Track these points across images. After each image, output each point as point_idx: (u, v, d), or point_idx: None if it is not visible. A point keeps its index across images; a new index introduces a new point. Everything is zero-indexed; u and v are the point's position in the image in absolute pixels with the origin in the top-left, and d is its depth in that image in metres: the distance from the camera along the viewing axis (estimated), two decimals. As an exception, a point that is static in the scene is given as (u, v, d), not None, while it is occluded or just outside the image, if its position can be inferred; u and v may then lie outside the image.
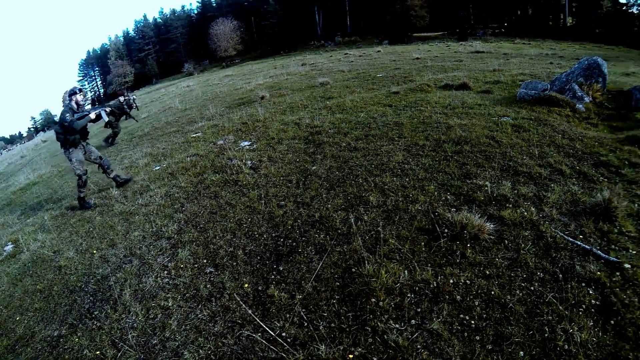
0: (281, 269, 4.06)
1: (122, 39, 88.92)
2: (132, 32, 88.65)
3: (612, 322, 3.12)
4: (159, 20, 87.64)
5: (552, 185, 5.07)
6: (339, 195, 5.28)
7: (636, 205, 4.69)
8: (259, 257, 4.31)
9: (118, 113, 13.73)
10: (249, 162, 6.87)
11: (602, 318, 3.16)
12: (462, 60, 20.23)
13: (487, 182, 5.14)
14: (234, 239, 4.69)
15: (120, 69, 77.28)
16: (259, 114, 10.75)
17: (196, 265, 4.37)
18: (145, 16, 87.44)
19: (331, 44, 57.95)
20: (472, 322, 3.14)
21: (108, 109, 7.00)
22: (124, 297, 4.05)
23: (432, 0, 55.58)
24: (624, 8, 50.80)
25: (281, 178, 6.04)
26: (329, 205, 5.03)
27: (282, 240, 4.51)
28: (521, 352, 2.86)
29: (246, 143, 8.11)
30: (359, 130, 7.71)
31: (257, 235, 4.67)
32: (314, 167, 6.20)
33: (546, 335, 2.98)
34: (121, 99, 14.43)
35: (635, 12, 50.74)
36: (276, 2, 63.96)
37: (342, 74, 17.46)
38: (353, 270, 3.83)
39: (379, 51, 34.15)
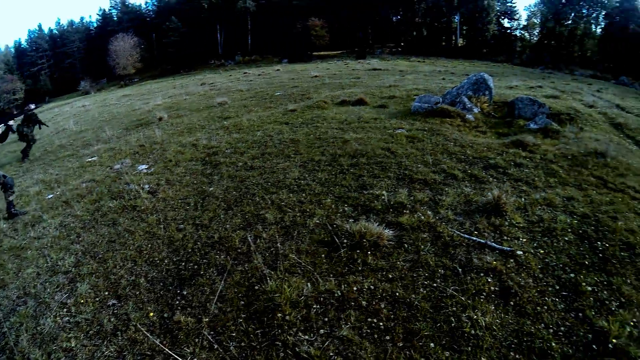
0: (185, 293, 4.34)
1: (13, 50, 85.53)
2: (24, 43, 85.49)
3: (512, 303, 3.95)
4: (55, 31, 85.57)
5: (447, 189, 6.12)
6: (237, 214, 5.80)
7: (523, 199, 5.95)
8: (162, 284, 4.56)
9: (33, 121, 13.85)
10: (146, 186, 7.34)
11: (502, 301, 3.97)
12: (360, 77, 23.09)
13: (383, 192, 5.96)
14: (135, 267, 4.93)
15: (9, 84, 72.73)
16: (157, 135, 11.44)
17: (97, 299, 4.48)
18: (40, 26, 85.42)
19: (231, 62, 62.73)
20: (381, 323, 3.66)
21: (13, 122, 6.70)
22: (21, 343, 3.97)
23: (332, 21, 63.25)
24: (508, 31, 64.41)
25: (179, 201, 6.55)
26: (228, 226, 5.52)
27: (183, 264, 4.85)
28: (432, 344, 3.43)
29: (144, 166, 8.67)
30: (255, 149, 8.53)
31: (158, 261, 4.97)
32: (212, 188, 6.82)
33: (453, 324, 3.62)
34: (32, 106, 14.33)
35: (518, 34, 64.39)
36: (179, 19, 67.56)
37: (240, 94, 19.20)
38: (256, 287, 4.22)
39: (278, 70, 37.25)
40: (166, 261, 4.96)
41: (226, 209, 6.04)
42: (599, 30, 60.13)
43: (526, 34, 66.88)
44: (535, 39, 65.16)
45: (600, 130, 11.48)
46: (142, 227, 5.89)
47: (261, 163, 7.65)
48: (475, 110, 11.32)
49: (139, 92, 36.93)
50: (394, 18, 69.13)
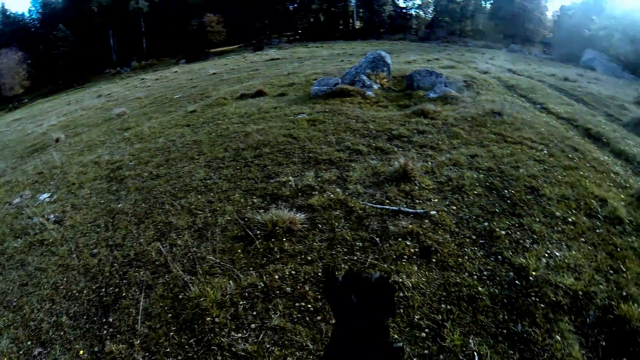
0: (111, 320, 4.18)
1: None
2: None
3: (434, 260, 4.32)
4: None
5: (353, 164, 6.44)
6: (149, 227, 5.70)
7: (429, 163, 6.42)
8: (85, 316, 4.35)
9: None
10: (52, 217, 6.99)
11: (424, 260, 4.31)
12: (258, 69, 23.44)
13: (290, 177, 6.13)
14: (54, 306, 4.66)
15: None
16: (55, 159, 10.86)
17: (21, 352, 4.17)
18: None
19: (127, 69, 59.55)
20: (309, 306, 3.80)
21: None
22: None
23: (228, 16, 62.94)
24: (404, 10, 68.82)
25: (88, 225, 6.32)
26: (142, 240, 5.41)
27: (104, 290, 4.68)
28: None
29: (45, 195, 8.28)
30: (159, 156, 8.42)
31: (77, 294, 4.74)
32: (120, 205, 6.66)
33: None
34: None
35: (414, 13, 69.18)
36: (67, 27, 62.32)
37: (138, 101, 18.79)
38: (180, 296, 4.18)
39: (176, 72, 36.66)
40: (85, 291, 4.77)
41: (137, 223, 5.94)
42: (488, 6, 66.65)
43: (421, 12, 71.40)
44: (430, 16, 69.76)
45: (495, 92, 12.65)
46: (54, 262, 5.62)
47: (166, 170, 7.60)
48: (375, 86, 11.90)
49: (31, 113, 34.50)
50: (291, 7, 70.91)
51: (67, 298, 4.78)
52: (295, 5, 70.88)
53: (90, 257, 5.48)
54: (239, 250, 4.74)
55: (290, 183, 6.00)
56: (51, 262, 5.65)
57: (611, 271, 4.47)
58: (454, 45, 46.29)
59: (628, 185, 6.60)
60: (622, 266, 4.56)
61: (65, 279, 5.15)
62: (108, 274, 4.98)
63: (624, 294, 4.11)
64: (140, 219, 6.04)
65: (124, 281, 4.76)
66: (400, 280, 4.03)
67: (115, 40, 66.75)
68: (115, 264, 5.13)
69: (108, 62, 65.23)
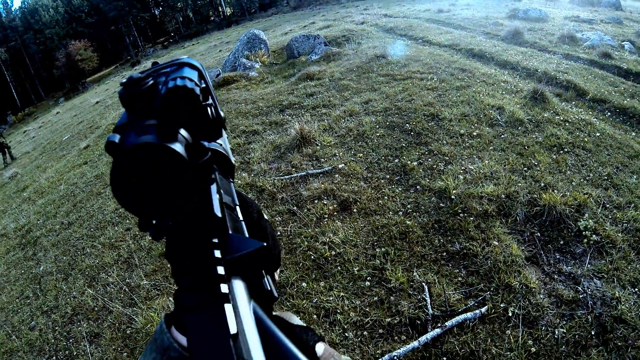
0: None
1: None
2: None
3: (355, 210, 4.38)
4: None
5: (252, 145, 6.34)
6: (77, 277, 5.46)
7: (325, 121, 6.40)
8: None
9: None
10: None
11: (346, 214, 4.32)
12: None
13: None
14: None
15: None
16: None
17: None
18: None
19: (5, 127, 53.32)
20: None
21: None
22: None
23: (95, 38, 59.90)
24: None
25: (17, 301, 5.95)
26: (74, 293, 5.17)
27: (54, 357, 4.45)
28: (304, 284, 3.62)
29: None
30: (66, 204, 8.13)
31: None
32: (42, 267, 6.38)
33: (313, 257, 3.86)
34: None
35: None
36: None
37: (28, 156, 18.17)
38: (129, 331, 4.04)
39: (57, 112, 35.02)
40: None
41: (65, 278, 5.67)
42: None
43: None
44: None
45: (375, 38, 12.93)
46: None
47: (77, 214, 7.29)
48: (257, 65, 11.74)
49: None
50: (156, 11, 69.52)
51: None
52: (160, 8, 69.17)
53: (29, 331, 5.19)
54: (168, 265, 4.54)
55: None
56: (-6, 354, 5.20)
57: (525, 168, 4.74)
58: (327, 5, 46.91)
59: (519, 89, 6.98)
60: (533, 161, 4.86)
61: None
62: (53, 340, 4.72)
63: (543, 184, 4.41)
64: (66, 273, 5.78)
65: (70, 340, 4.53)
66: (329, 240, 3.99)
67: None
68: (57, 327, 4.87)
69: None
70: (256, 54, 12.97)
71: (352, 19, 20.48)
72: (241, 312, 0.53)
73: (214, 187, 0.59)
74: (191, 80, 0.54)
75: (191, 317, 0.51)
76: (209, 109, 0.55)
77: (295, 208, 4.58)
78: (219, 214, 0.57)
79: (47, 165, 13.23)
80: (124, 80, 0.53)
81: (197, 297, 0.52)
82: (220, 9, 69.57)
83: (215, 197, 0.58)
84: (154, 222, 0.55)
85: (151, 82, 0.54)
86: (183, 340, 0.58)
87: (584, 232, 3.75)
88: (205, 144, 0.57)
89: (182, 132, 0.52)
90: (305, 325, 0.80)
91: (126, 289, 4.66)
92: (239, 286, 0.57)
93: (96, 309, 4.71)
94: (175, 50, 45.33)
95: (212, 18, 68.85)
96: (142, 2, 64.47)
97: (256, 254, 0.59)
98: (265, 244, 0.60)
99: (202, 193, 0.57)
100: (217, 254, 0.55)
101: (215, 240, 0.57)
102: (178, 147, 0.50)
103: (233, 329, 0.48)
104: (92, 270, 5.42)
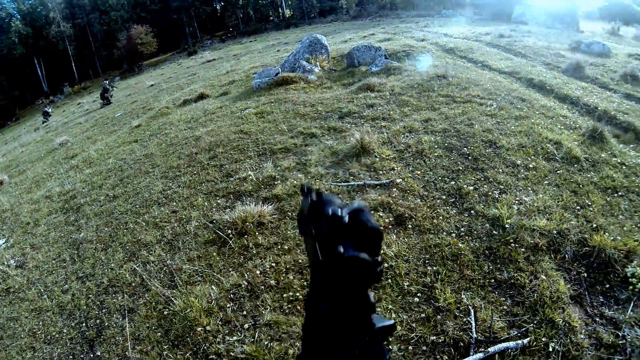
0: (99, 353, 4.02)
1: None
2: None
3: (410, 225, 4.47)
4: None
5: (309, 148, 6.48)
6: (117, 250, 5.51)
7: (385, 134, 6.51)
8: (71, 356, 4.16)
9: None
10: (12, 262, 6.62)
11: (400, 228, 4.45)
12: (196, 72, 23.31)
13: (249, 172, 6.07)
14: (36, 354, 4.42)
15: None
16: (3, 202, 10.30)
17: None
18: None
19: (61, 97, 56.16)
20: (297, 294, 3.82)
21: None
22: None
23: (156, 24, 61.35)
24: None
25: (53, 262, 6.04)
26: (112, 265, 5.21)
27: (84, 324, 4.49)
28: None
29: (1, 242, 7.83)
30: (112, 177, 8.19)
31: (57, 335, 4.52)
32: (82, 234, 6.41)
33: None
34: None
35: None
36: None
37: (80, 127, 18.36)
38: (166, 312, 4.06)
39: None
40: (65, 330, 4.56)
41: (104, 249, 5.74)
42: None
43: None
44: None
45: (436, 57, 12.94)
46: (26, 307, 5.33)
47: (123, 189, 7.40)
48: (316, 69, 11.93)
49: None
50: (218, 5, 71.46)
51: (48, 342, 4.59)
52: (222, 3, 70.95)
53: (62, 294, 5.28)
54: (214, 254, 4.67)
55: (250, 177, 5.94)
56: (22, 309, 5.38)
57: (578, 207, 4.73)
58: (386, 18, 46.82)
59: (577, 125, 6.92)
60: (587, 201, 4.85)
61: (41, 323, 4.94)
62: (85, 307, 4.81)
63: (594, 225, 4.40)
64: (106, 244, 5.85)
65: (103, 310, 4.61)
66: (382, 252, 4.09)
67: (43, 69, 63.69)
68: (91, 295, 4.95)
69: (39, 92, 62.22)
70: (317, 58, 13.16)
71: (411, 34, 20.51)
72: None
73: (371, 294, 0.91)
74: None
75: None
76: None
77: (350, 216, 4.69)
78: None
79: (97, 137, 13.58)
80: (329, 215, 0.83)
81: None
82: (281, 10, 70.70)
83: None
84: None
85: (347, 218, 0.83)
86: None
87: (630, 279, 3.76)
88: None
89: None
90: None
91: (167, 270, 4.76)
92: None
93: (133, 284, 4.80)
94: (232, 45, 45.97)
95: (271, 18, 69.88)
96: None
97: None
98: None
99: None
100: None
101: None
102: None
103: None
104: (133, 246, 5.51)
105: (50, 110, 28.97)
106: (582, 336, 3.28)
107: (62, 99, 56.75)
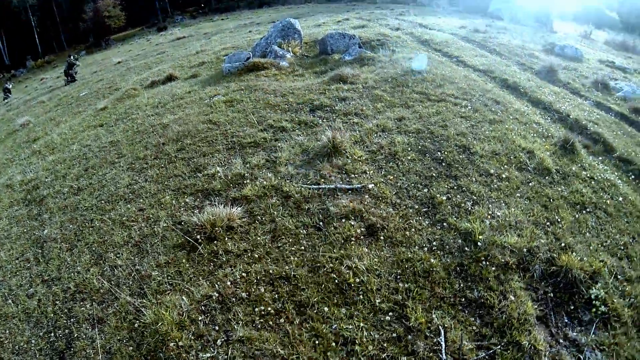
0: None
1: None
2: None
3: (382, 237, 4.39)
4: None
5: (279, 144, 6.31)
6: (83, 251, 5.24)
7: (357, 132, 6.42)
8: None
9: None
10: None
11: (372, 239, 4.38)
12: (165, 51, 22.70)
13: (217, 168, 5.89)
14: None
15: None
16: None
17: None
18: None
19: (23, 71, 53.51)
20: (269, 308, 3.73)
21: None
22: None
23: None
24: None
25: (16, 262, 5.69)
26: (79, 268, 4.95)
27: (52, 334, 4.26)
28: (325, 308, 3.67)
29: None
30: (76, 166, 7.80)
31: (25, 345, 4.27)
32: (46, 231, 6.09)
33: (337, 281, 3.91)
34: None
35: None
36: None
37: (42, 106, 17.58)
38: (136, 324, 3.89)
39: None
40: (34, 340, 4.30)
41: (70, 249, 5.44)
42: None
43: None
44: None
45: (411, 49, 12.80)
46: None
47: (87, 181, 7.04)
48: (289, 55, 11.68)
49: None
50: None
51: (16, 352, 4.34)
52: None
53: (27, 299, 5.01)
54: (184, 260, 4.49)
55: (219, 174, 5.75)
56: (-15, 319, 5.04)
57: (548, 223, 4.81)
58: (362, 3, 46.35)
59: (550, 134, 7.00)
60: (556, 217, 4.94)
61: (7, 331, 4.65)
62: (52, 314, 4.57)
63: (563, 244, 4.49)
64: (71, 244, 5.56)
65: (72, 319, 4.38)
66: (353, 264, 4.05)
67: (4, 41, 60.46)
68: (57, 302, 4.70)
69: (1, 65, 59.04)
70: (289, 43, 12.88)
71: (387, 22, 20.26)
72: None
73: None
74: None
75: None
76: None
77: (321, 224, 4.64)
78: None
79: (61, 119, 13.07)
80: None
81: None
82: (257, -13, 69.27)
83: None
84: None
85: None
86: None
87: (594, 301, 3.87)
88: None
89: None
90: None
91: (135, 276, 4.58)
92: None
93: (102, 290, 4.58)
94: (203, 23, 44.80)
95: (244, -5, 68.50)
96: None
97: None
98: None
99: None
100: None
101: None
102: None
103: None
104: (100, 247, 5.27)
105: (11, 86, 28.30)
106: (546, 359, 3.33)
107: (24, 73, 54.17)
